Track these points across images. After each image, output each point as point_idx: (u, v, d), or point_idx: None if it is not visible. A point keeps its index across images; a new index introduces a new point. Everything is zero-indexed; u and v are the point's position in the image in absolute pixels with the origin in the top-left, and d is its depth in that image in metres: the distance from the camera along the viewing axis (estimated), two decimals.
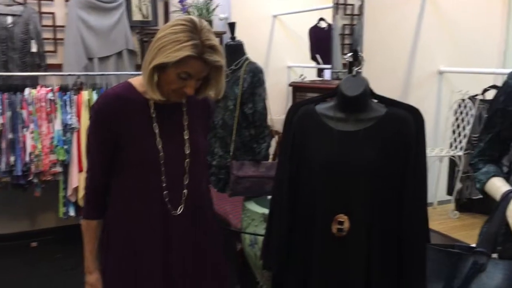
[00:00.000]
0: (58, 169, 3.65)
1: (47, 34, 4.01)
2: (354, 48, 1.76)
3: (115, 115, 1.50)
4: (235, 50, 2.68)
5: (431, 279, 1.44)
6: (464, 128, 2.85)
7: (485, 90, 2.83)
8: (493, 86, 2.78)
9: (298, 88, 2.83)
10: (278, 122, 2.82)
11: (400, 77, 3.01)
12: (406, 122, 1.66)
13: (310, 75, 4.33)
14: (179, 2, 4.13)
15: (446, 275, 1.40)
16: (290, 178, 1.77)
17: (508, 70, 1.77)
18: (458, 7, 3.08)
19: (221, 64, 1.47)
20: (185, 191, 1.55)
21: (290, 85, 3.45)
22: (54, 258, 3.80)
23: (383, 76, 2.87)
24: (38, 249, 4.02)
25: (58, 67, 3.99)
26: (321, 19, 4.10)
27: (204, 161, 1.69)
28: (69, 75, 3.83)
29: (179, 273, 1.58)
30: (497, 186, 1.52)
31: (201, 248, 1.63)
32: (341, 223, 1.65)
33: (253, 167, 2.56)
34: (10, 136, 3.51)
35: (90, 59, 4.06)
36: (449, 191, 2.95)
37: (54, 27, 4.05)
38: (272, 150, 2.95)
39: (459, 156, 2.84)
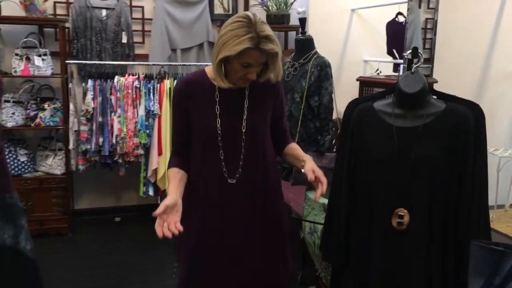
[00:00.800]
0: (140, 151, 3.95)
1: (136, 26, 4.31)
2: (414, 46, 1.77)
3: (185, 96, 1.77)
4: (305, 44, 2.76)
5: (473, 274, 1.46)
6: None
7: None
8: None
9: (365, 83, 2.85)
10: None
11: (475, 75, 2.93)
12: (465, 117, 1.66)
13: (387, 70, 4.29)
14: None
15: (488, 271, 1.41)
16: (348, 172, 1.84)
17: None
18: None
19: (276, 51, 1.64)
20: (241, 163, 1.75)
21: (357, 79, 3.45)
22: (134, 233, 4.14)
23: (456, 73, 2.82)
24: (121, 224, 4.38)
25: (144, 57, 4.29)
26: (399, 13, 4.05)
27: (263, 138, 1.83)
28: (154, 64, 4.11)
29: (232, 237, 1.80)
30: None
31: (256, 216, 1.82)
32: (401, 217, 1.70)
33: (316, 158, 2.64)
34: (100, 119, 3.86)
35: (174, 50, 4.33)
36: None
37: (143, 20, 4.35)
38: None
39: None
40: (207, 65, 4.21)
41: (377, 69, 4.40)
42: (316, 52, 2.76)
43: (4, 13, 3.85)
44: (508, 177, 2.87)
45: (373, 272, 1.77)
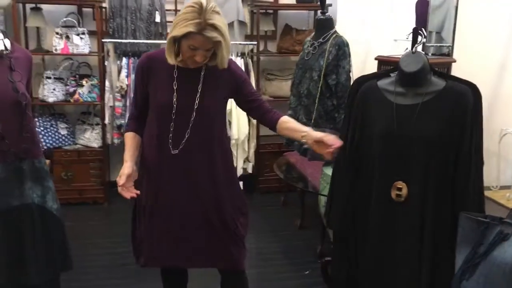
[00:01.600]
0: None
1: (169, 6, 4.46)
2: (416, 26, 1.83)
3: (145, 70, 1.97)
4: (325, 24, 2.83)
5: (460, 244, 1.55)
6: None
7: None
8: None
9: (382, 62, 2.89)
10: None
11: (497, 57, 2.90)
12: (464, 95, 1.73)
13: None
14: None
15: (474, 241, 1.50)
16: (351, 147, 1.94)
17: None
18: None
19: (218, 39, 1.78)
20: (186, 136, 1.91)
21: (375, 58, 3.47)
22: None
23: (478, 55, 2.80)
24: None
25: None
26: None
27: (211, 119, 1.97)
28: None
29: (171, 198, 1.97)
30: None
31: (194, 190, 1.97)
32: (399, 189, 1.80)
33: (333, 135, 2.72)
34: (133, 95, 4.04)
35: None
36: None
37: None
38: None
39: None
40: (239, 43, 4.32)
41: (406, 48, 4.39)
42: (335, 32, 2.83)
43: None
44: None
45: (371, 239, 1.88)
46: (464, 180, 1.74)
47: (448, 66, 2.70)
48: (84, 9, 4.30)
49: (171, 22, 4.33)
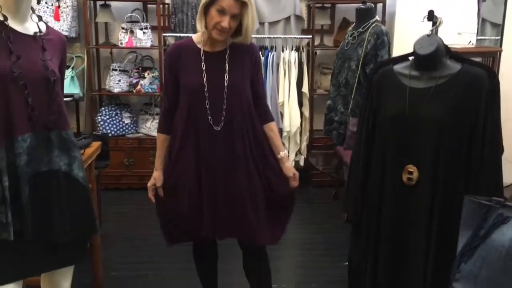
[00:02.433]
0: None
1: None
2: (431, 10, 1.81)
3: (175, 58, 2.08)
4: (365, 13, 2.82)
5: (463, 227, 1.51)
6: None
7: None
8: None
9: None
10: None
11: None
12: (479, 79, 1.69)
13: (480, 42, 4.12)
14: None
15: (476, 224, 1.46)
16: (367, 131, 1.95)
17: None
18: None
19: (245, 1, 1.91)
20: (224, 113, 2.02)
21: None
22: None
23: None
24: None
25: None
26: None
27: (241, 95, 2.08)
28: None
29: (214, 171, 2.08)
30: None
31: (239, 159, 2.08)
32: (410, 172, 1.80)
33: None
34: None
35: (262, 24, 4.56)
36: None
37: None
38: None
39: None
40: (295, 37, 4.39)
41: (470, 41, 4.23)
42: (376, 21, 2.81)
43: None
44: None
45: (383, 225, 1.88)
46: (476, 166, 1.69)
47: (494, 55, 2.59)
48: (149, 5, 4.56)
49: None
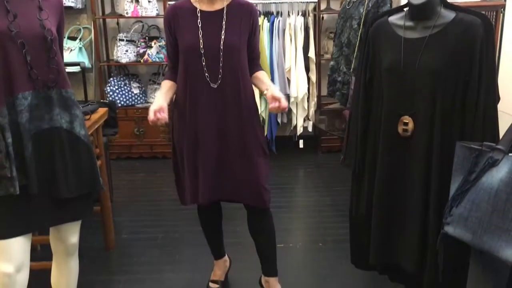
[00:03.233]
0: None
1: None
2: None
3: (171, 19, 2.11)
4: None
5: (455, 173, 1.53)
6: None
7: None
8: None
9: None
10: None
11: None
12: (473, 26, 1.68)
13: None
14: None
15: (467, 169, 1.47)
16: (365, 84, 1.96)
17: None
18: None
19: None
20: (220, 71, 2.04)
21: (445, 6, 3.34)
22: None
23: None
24: None
25: None
26: None
27: (238, 54, 2.09)
28: None
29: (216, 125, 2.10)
30: None
31: (235, 112, 2.10)
32: (406, 124, 1.81)
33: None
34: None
35: None
36: None
37: None
38: None
39: None
40: (301, 2, 4.34)
41: None
42: None
43: None
44: None
45: (380, 176, 1.90)
46: (472, 115, 1.70)
47: (498, 9, 2.55)
48: None
49: None
